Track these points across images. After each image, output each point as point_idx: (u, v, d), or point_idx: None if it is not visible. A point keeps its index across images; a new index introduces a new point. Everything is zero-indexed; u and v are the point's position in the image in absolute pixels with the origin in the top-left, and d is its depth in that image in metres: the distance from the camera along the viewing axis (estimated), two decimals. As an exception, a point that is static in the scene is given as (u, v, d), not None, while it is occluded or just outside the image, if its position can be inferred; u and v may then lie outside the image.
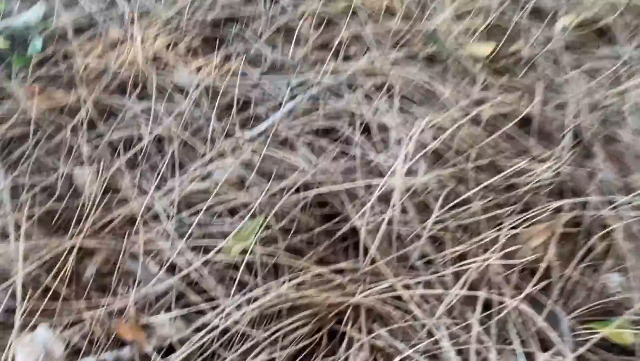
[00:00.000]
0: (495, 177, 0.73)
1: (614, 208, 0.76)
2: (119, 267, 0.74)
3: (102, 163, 0.81)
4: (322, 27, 1.03)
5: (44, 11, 1.01)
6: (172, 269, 0.74)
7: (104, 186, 0.80)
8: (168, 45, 1.01)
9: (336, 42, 1.00)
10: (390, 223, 0.71)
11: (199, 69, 0.97)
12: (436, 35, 1.01)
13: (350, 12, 1.05)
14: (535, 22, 1.05)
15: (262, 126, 0.84)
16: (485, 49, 1.01)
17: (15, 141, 0.88)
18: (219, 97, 0.91)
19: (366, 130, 0.83)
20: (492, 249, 0.70)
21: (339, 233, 0.73)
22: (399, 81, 0.86)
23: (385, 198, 0.75)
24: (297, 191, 0.77)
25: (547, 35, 1.03)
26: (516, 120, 0.80)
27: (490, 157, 0.77)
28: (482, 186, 0.72)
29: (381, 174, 0.79)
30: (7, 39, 0.98)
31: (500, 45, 1.02)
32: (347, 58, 0.99)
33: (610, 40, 1.03)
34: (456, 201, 0.72)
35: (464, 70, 0.98)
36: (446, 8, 1.06)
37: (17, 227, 0.76)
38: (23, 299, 0.69)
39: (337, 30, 1.03)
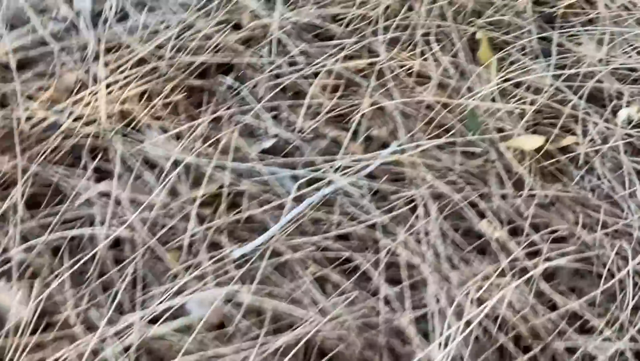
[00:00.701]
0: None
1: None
2: None
3: (38, 278, 0.61)
4: (340, 90, 0.83)
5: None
6: None
7: (37, 312, 0.60)
8: (141, 96, 0.80)
9: (356, 115, 0.80)
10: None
11: (178, 136, 0.76)
12: (475, 117, 0.83)
13: (375, 72, 0.86)
14: (592, 108, 0.88)
15: (257, 241, 0.65)
16: (533, 141, 0.83)
17: None
18: (203, 183, 0.71)
19: (394, 265, 0.65)
20: None
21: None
22: (435, 197, 0.68)
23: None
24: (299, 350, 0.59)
25: (606, 127, 0.87)
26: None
27: (546, 339, 0.60)
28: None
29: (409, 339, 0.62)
30: None
31: (551, 138, 0.84)
32: (368, 140, 0.79)
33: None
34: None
35: (507, 169, 0.80)
36: (490, 79, 0.88)
37: None
38: None
39: (358, 96, 0.83)
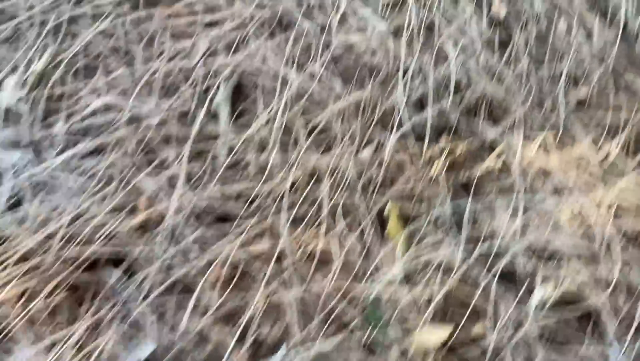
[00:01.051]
0: None
1: None
2: None
3: None
4: (234, 281, 0.80)
5: None
6: None
7: None
8: (20, 296, 0.76)
9: (246, 314, 0.76)
10: None
11: (52, 346, 0.72)
12: (377, 308, 0.79)
13: (274, 258, 0.83)
14: (505, 289, 0.84)
15: None
16: (439, 334, 0.79)
17: None
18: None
19: None
20: None
21: None
22: None
23: None
24: None
25: (519, 312, 0.82)
26: None
27: None
28: None
29: None
30: None
31: (460, 326, 0.80)
32: (257, 343, 0.75)
33: (597, 328, 0.82)
34: None
35: (409, 368, 0.75)
36: (395, 259, 0.84)
37: None
38: None
39: (252, 288, 0.80)
